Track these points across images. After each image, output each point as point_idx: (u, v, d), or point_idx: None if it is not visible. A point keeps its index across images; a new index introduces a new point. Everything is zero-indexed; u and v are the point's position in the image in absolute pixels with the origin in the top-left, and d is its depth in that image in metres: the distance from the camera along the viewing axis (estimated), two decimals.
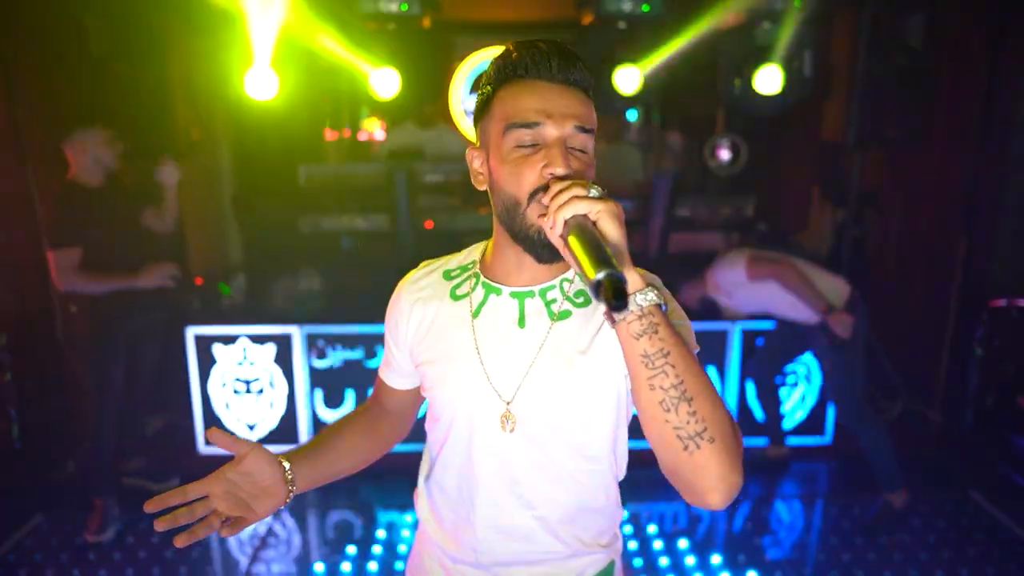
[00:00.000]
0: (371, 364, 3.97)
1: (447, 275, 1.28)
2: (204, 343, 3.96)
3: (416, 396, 1.40)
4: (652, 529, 3.50)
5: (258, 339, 3.97)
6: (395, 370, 1.35)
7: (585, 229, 0.92)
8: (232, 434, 1.11)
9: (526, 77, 1.10)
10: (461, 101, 7.12)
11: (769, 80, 3.99)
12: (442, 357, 1.22)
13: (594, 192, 0.96)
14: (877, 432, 3.44)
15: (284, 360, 3.98)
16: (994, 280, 4.12)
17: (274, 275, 4.43)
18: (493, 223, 1.21)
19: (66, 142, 3.16)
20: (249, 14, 3.63)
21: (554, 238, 0.99)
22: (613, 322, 0.96)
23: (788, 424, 4.16)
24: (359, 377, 3.99)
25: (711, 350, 4.02)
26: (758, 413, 4.13)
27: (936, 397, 4.43)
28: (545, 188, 1.04)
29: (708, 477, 0.94)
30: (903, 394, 4.57)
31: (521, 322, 1.18)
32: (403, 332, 1.29)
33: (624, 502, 1.36)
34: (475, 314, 1.21)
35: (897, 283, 3.56)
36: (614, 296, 0.84)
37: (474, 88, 1.19)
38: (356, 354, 3.97)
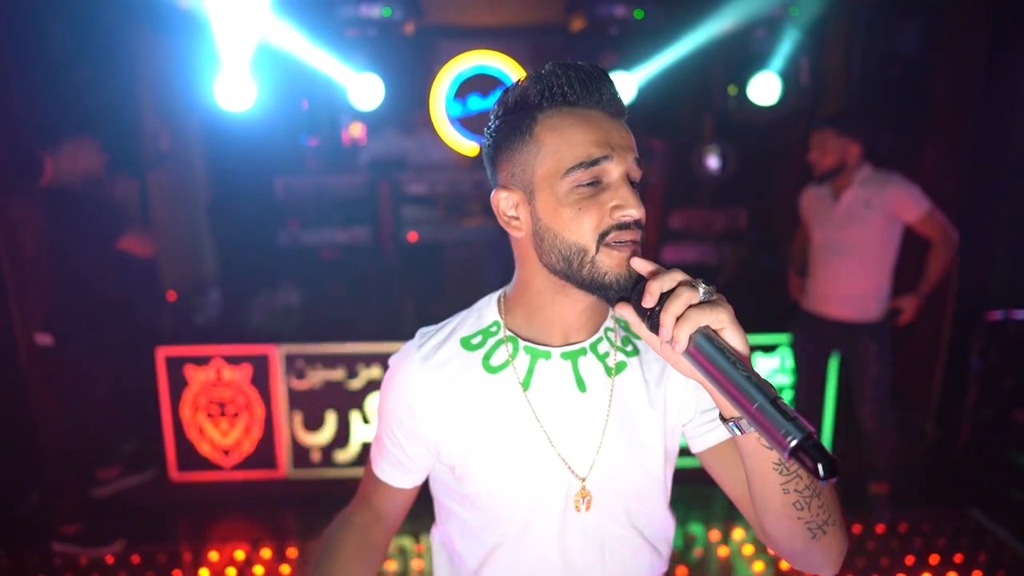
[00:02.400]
0: (352, 384, 3.80)
1: (467, 344, 1.10)
2: (175, 364, 3.76)
3: (414, 495, 1.22)
4: None
5: (233, 359, 3.78)
6: (402, 467, 1.15)
7: (716, 347, 0.84)
8: None
9: (576, 105, 0.98)
10: (444, 108, 6.98)
11: (765, 88, 3.89)
12: (496, 442, 1.06)
13: (704, 293, 0.86)
14: (892, 424, 3.56)
15: (261, 381, 3.79)
16: (990, 292, 4.06)
17: (251, 290, 4.25)
18: (522, 274, 1.06)
19: (51, 150, 3.08)
20: (220, 19, 3.46)
21: (658, 341, 0.89)
22: (742, 432, 0.90)
23: None
24: (340, 399, 3.81)
25: None
26: None
27: (932, 410, 4.36)
28: (620, 228, 0.95)
29: (831, 555, 0.99)
30: (899, 407, 4.49)
31: (581, 385, 1.07)
32: (424, 422, 1.09)
33: None
34: (525, 386, 1.07)
35: (892, 294, 3.53)
36: (828, 469, 0.75)
37: (499, 113, 1.02)
38: (337, 375, 3.79)
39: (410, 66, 4.57)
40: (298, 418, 3.84)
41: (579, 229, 0.96)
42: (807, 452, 0.76)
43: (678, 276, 0.88)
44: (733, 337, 0.85)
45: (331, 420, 3.84)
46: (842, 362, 3.59)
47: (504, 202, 1.03)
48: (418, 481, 1.19)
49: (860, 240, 3.31)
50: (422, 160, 4.67)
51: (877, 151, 3.37)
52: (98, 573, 3.22)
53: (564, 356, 1.07)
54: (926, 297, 3.36)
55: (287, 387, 3.79)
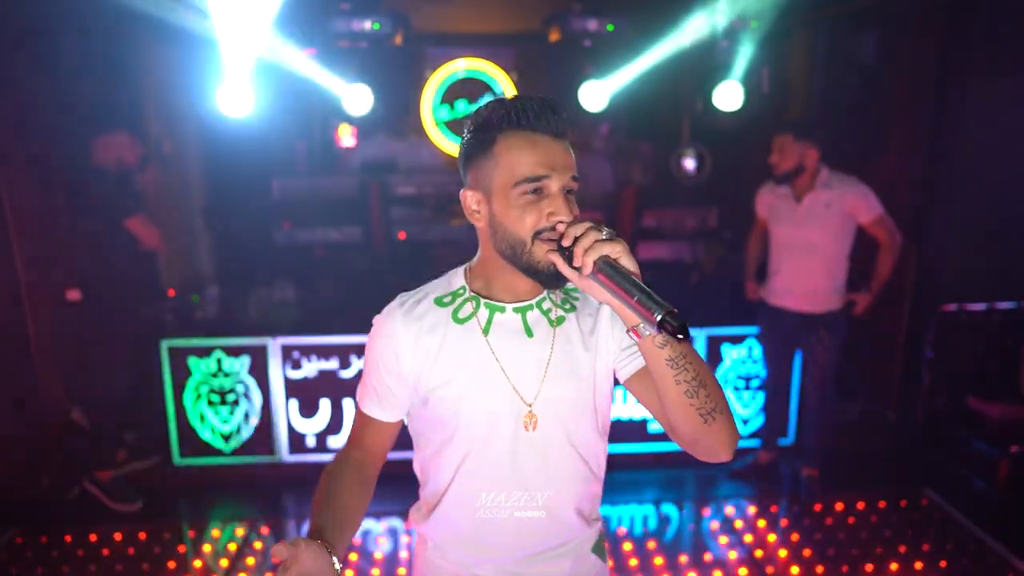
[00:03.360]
0: (345, 373, 4.02)
1: (439, 302, 1.38)
2: (178, 355, 3.98)
3: (397, 429, 1.47)
4: (621, 531, 3.61)
5: (232, 351, 4.00)
6: (388, 403, 1.40)
7: (613, 268, 1.13)
8: (289, 543, 1.07)
9: (526, 128, 1.26)
10: (432, 112, 7.20)
11: (729, 96, 4.13)
12: (462, 374, 1.33)
13: (606, 233, 1.16)
14: (831, 410, 3.88)
15: (259, 371, 4.01)
16: (945, 286, 4.30)
17: (248, 286, 4.45)
18: (483, 252, 1.36)
19: (95, 139, 3.63)
20: (223, 32, 3.69)
21: (578, 275, 1.18)
22: (639, 337, 1.18)
23: (751, 427, 4.31)
24: (334, 387, 4.04)
25: None
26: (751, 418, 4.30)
27: (892, 397, 4.60)
28: (550, 229, 1.23)
29: (722, 439, 1.24)
30: (863, 394, 4.74)
31: (528, 332, 1.35)
32: (407, 363, 1.35)
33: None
34: (485, 331, 1.35)
35: (847, 286, 3.79)
36: (680, 331, 1.06)
37: (471, 129, 1.25)
38: (331, 364, 4.02)
39: (399, 74, 4.76)
40: (294, 406, 4.06)
41: (522, 226, 1.25)
42: (667, 321, 1.06)
43: (587, 224, 1.18)
44: (627, 262, 1.14)
45: (325, 407, 4.06)
46: (793, 349, 3.87)
47: (470, 199, 1.32)
48: (400, 416, 1.44)
49: (819, 238, 3.60)
50: (411, 163, 4.87)
51: (834, 155, 3.61)
52: (108, 550, 3.43)
53: (515, 310, 1.36)
54: (877, 294, 3.65)
55: (284, 376, 4.02)
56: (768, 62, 4.18)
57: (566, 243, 1.18)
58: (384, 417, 1.42)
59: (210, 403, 4.04)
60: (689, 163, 5.43)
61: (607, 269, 1.13)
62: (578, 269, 1.17)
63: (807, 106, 4.32)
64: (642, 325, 1.16)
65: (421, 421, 1.42)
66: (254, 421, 4.06)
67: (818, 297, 3.67)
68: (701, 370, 1.21)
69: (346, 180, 4.39)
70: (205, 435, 4.07)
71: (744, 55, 3.96)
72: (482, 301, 1.36)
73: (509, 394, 1.33)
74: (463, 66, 6.91)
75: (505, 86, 7.11)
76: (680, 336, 1.07)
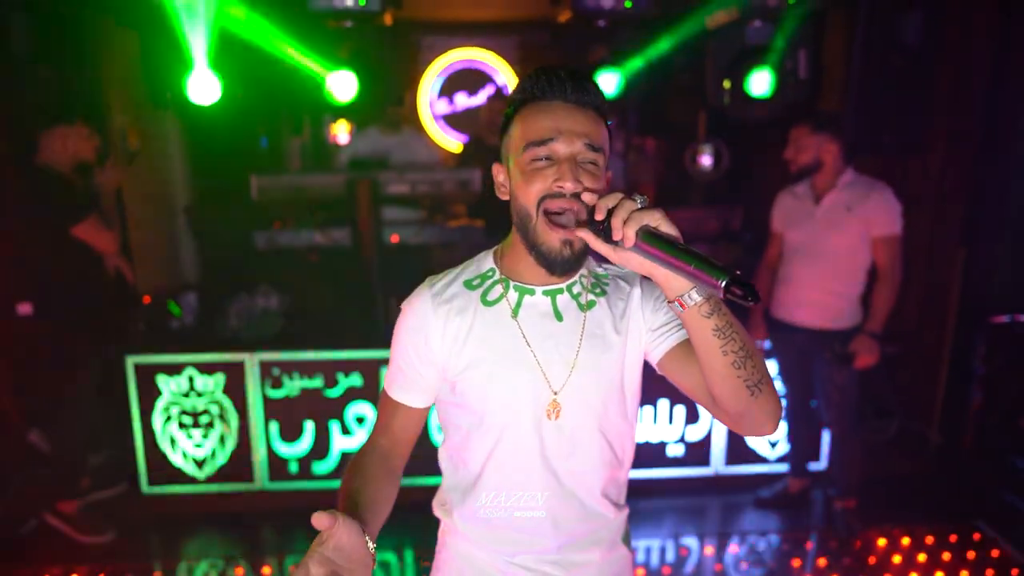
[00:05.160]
0: (331, 393, 3.64)
1: (469, 285, 1.38)
2: (146, 373, 3.60)
3: (424, 416, 1.44)
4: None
5: (206, 368, 3.62)
6: (415, 387, 1.39)
7: (657, 236, 1.07)
8: (329, 512, 1.03)
9: (543, 99, 1.26)
10: (431, 104, 6.83)
11: (761, 83, 3.73)
12: (490, 357, 1.31)
13: (640, 202, 1.11)
14: (858, 443, 3.50)
15: (235, 390, 3.63)
16: (995, 295, 3.92)
17: (228, 293, 4.08)
18: (513, 232, 1.34)
19: (45, 132, 3.24)
20: (186, 12, 3.31)
21: (612, 249, 1.14)
22: (684, 308, 1.12)
23: (777, 451, 3.91)
24: (319, 408, 3.65)
25: None
26: (761, 440, 3.89)
27: (935, 417, 4.22)
28: (555, 196, 1.20)
29: (769, 410, 1.21)
30: (899, 413, 4.35)
31: (558, 316, 1.34)
32: (436, 345, 1.34)
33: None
34: (515, 313, 1.34)
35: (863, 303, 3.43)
36: (750, 293, 0.97)
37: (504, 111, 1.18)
38: (315, 383, 3.63)
39: (391, 60, 4.41)
40: (275, 428, 3.68)
41: (528, 193, 1.24)
42: (735, 284, 0.96)
43: (619, 194, 1.13)
44: (668, 228, 1.09)
45: (309, 430, 3.68)
46: (812, 369, 3.45)
47: (499, 173, 1.35)
48: (428, 401, 1.41)
49: (836, 245, 3.21)
50: (405, 158, 4.51)
51: (873, 149, 3.23)
52: None
53: (545, 293, 1.35)
54: (876, 335, 3.19)
55: (263, 396, 3.63)
56: (805, 43, 3.77)
57: (599, 216, 1.13)
58: (413, 403, 1.41)
59: (181, 425, 3.66)
60: (705, 159, 5.07)
61: (650, 239, 1.07)
62: (616, 243, 1.12)
63: (843, 94, 3.91)
64: (687, 295, 1.11)
65: (449, 407, 1.41)
66: (230, 445, 3.68)
67: (829, 311, 3.27)
68: (747, 340, 1.17)
69: (332, 177, 4.00)
70: (176, 461, 3.69)
71: (780, 36, 3.54)
72: (511, 284, 1.36)
73: (539, 378, 1.32)
74: (463, 56, 6.56)
75: (508, 77, 6.75)
76: (750, 300, 0.97)
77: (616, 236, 1.10)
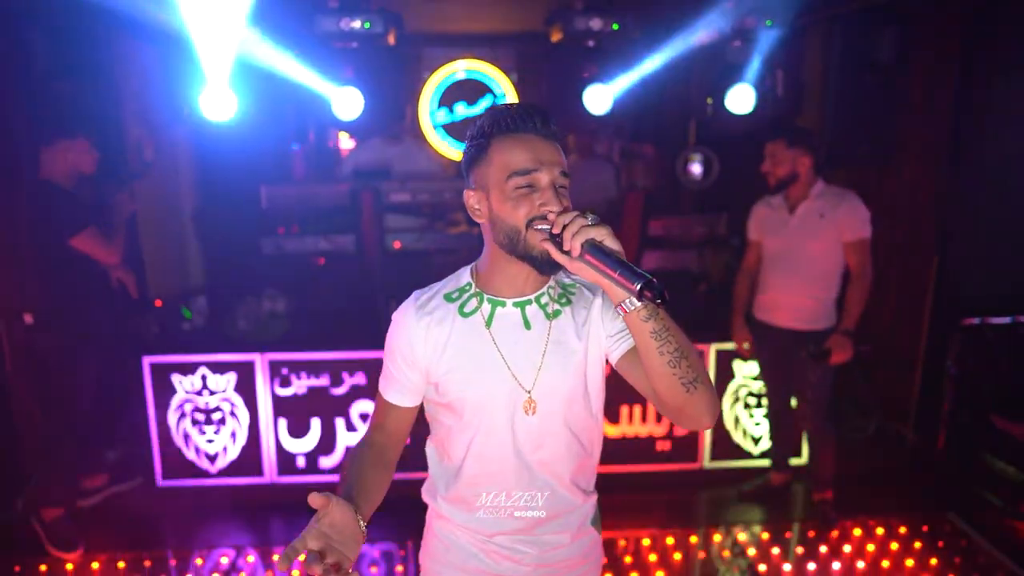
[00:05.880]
0: (336, 391, 3.83)
1: (448, 298, 1.54)
2: (161, 372, 3.79)
3: (414, 414, 1.61)
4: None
5: (218, 367, 3.81)
6: (404, 389, 1.56)
7: (599, 248, 1.25)
8: (323, 494, 1.23)
9: (517, 132, 1.41)
10: (430, 114, 7.02)
11: (741, 99, 3.93)
12: (467, 363, 1.48)
13: (591, 219, 1.28)
14: (832, 438, 3.65)
15: (246, 389, 3.82)
16: (967, 298, 4.10)
17: (236, 297, 4.27)
18: (487, 249, 1.50)
19: (46, 148, 3.30)
20: (202, 33, 3.49)
21: (568, 259, 1.29)
22: (626, 312, 1.29)
23: (761, 447, 4.11)
24: (325, 405, 3.85)
25: None
26: (744, 437, 4.09)
27: (911, 416, 4.40)
28: (542, 218, 1.35)
29: (704, 405, 1.35)
30: (878, 412, 4.54)
31: (527, 325, 1.50)
32: (420, 352, 1.50)
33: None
34: (488, 324, 1.49)
35: (870, 300, 3.56)
36: (659, 296, 1.19)
37: (470, 139, 1.29)
38: (321, 381, 3.83)
39: (393, 75, 4.58)
40: (283, 425, 3.87)
41: (516, 216, 1.38)
42: (646, 288, 1.18)
43: (575, 212, 1.30)
44: (611, 243, 1.26)
45: (316, 427, 3.87)
46: (789, 368, 3.63)
47: (472, 199, 1.47)
48: (417, 401, 1.58)
49: (811, 251, 3.41)
50: (407, 168, 4.69)
51: (850, 159, 3.42)
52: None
53: (515, 304, 1.51)
54: (850, 333, 3.38)
55: (272, 394, 3.83)
56: (782, 63, 3.96)
57: (556, 231, 1.30)
58: (403, 403, 1.57)
59: (195, 422, 3.85)
60: (696, 168, 5.24)
61: (593, 250, 1.25)
62: (568, 253, 1.28)
63: (821, 109, 4.10)
64: (627, 301, 1.27)
65: (434, 405, 1.57)
66: (241, 441, 3.87)
67: (806, 314, 3.48)
68: (682, 342, 1.31)
69: (337, 187, 4.19)
70: (189, 456, 3.88)
71: (757, 55, 3.75)
72: (486, 296, 1.51)
73: (509, 381, 1.47)
74: (461, 67, 6.75)
75: (505, 88, 6.94)
76: (660, 301, 1.19)
77: (566, 247, 1.28)
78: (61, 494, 3.49)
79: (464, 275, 1.56)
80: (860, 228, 3.33)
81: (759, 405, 4.07)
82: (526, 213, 1.37)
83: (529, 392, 1.47)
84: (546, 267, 1.39)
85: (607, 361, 1.55)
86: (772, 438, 3.92)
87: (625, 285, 1.21)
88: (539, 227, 1.35)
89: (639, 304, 1.26)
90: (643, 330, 1.29)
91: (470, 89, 6.79)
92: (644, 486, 3.98)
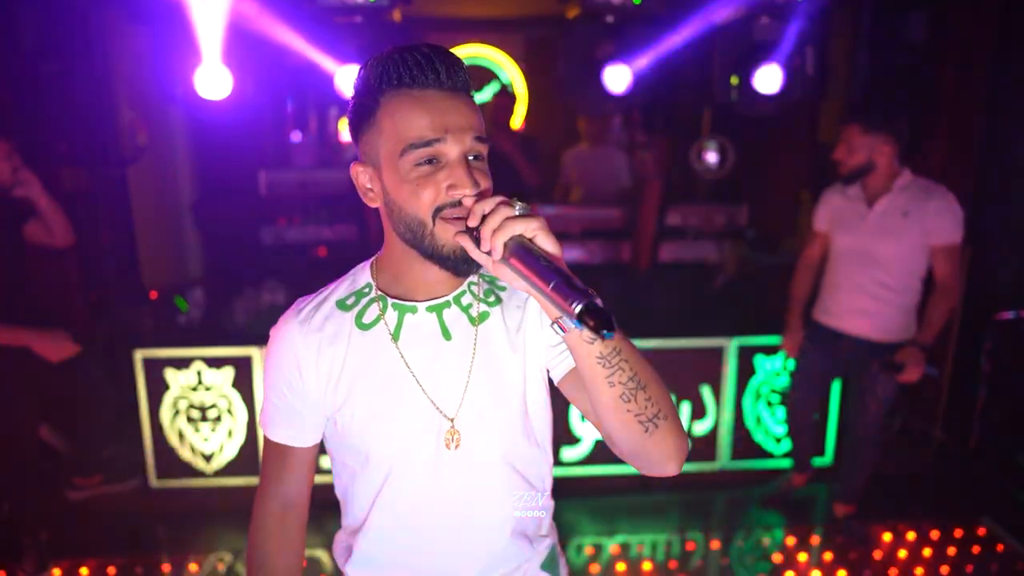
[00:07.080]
0: None
1: (342, 305, 1.19)
2: (154, 367, 3.62)
3: (315, 455, 1.28)
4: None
5: (214, 362, 3.63)
6: (298, 427, 1.22)
7: (527, 250, 0.94)
8: None
9: (413, 87, 1.05)
10: None
11: (769, 79, 3.73)
12: (369, 388, 1.15)
13: (519, 209, 0.97)
14: (880, 453, 3.40)
15: (243, 384, 3.65)
16: (1000, 292, 3.93)
17: (235, 288, 4.10)
18: (387, 239, 1.16)
19: None
20: (196, 7, 3.32)
21: (489, 260, 0.99)
22: (565, 331, 0.97)
23: (785, 446, 3.93)
24: None
25: (705, 367, 3.77)
26: (766, 436, 3.91)
27: (939, 415, 4.22)
28: (455, 204, 1.04)
29: (667, 449, 1.04)
30: (902, 410, 4.36)
31: (446, 334, 1.17)
32: (311, 380, 1.17)
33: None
34: (395, 337, 1.16)
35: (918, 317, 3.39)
36: (604, 326, 0.85)
37: (352, 96, 1.07)
38: None
39: None
40: None
41: (417, 204, 1.05)
42: (588, 313, 0.85)
43: (498, 199, 0.98)
44: (545, 242, 0.95)
45: None
46: (848, 377, 3.36)
47: (361, 175, 1.12)
48: (316, 439, 1.24)
49: (890, 252, 3.01)
50: None
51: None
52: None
53: (429, 309, 1.17)
54: (928, 348, 3.03)
55: None
56: (812, 40, 3.76)
57: (472, 223, 1.00)
58: (297, 443, 1.24)
59: (190, 420, 3.67)
60: (711, 156, 5.07)
61: (520, 252, 0.95)
62: (489, 253, 0.98)
63: (849, 90, 3.91)
64: (565, 318, 0.93)
65: (333, 444, 1.24)
66: (238, 439, 3.70)
67: (881, 321, 3.09)
68: (640, 369, 1.01)
69: (340, 172, 4.02)
70: (184, 455, 3.70)
71: (787, 33, 3.54)
72: (390, 301, 1.18)
73: (427, 409, 1.15)
74: (467, 53, 6.57)
75: (513, 74, 6.77)
76: (603, 332, 0.86)
77: (484, 247, 0.98)
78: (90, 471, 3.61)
79: (362, 274, 1.22)
80: (952, 232, 2.90)
81: (783, 403, 3.88)
82: (431, 200, 1.04)
83: (452, 420, 1.15)
84: (462, 267, 1.08)
85: (548, 377, 1.23)
86: (792, 435, 3.71)
87: (559, 304, 0.89)
88: (451, 217, 1.04)
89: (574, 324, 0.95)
90: (587, 354, 0.98)
91: (476, 75, 6.62)
92: (661, 487, 3.81)
